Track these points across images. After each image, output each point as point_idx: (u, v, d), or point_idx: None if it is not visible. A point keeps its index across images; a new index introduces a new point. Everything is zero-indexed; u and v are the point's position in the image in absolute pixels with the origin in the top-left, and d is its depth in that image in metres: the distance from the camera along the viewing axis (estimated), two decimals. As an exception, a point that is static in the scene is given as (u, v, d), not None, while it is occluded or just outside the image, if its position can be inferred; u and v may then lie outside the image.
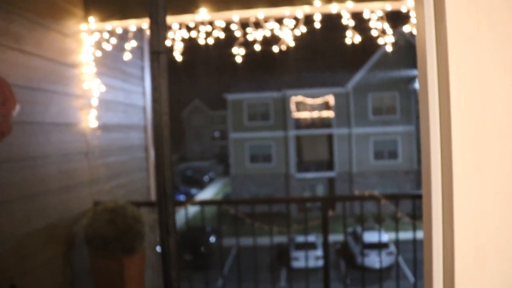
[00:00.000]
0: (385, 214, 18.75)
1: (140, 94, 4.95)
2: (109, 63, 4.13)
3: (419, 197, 4.03)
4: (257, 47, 3.44)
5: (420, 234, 3.82)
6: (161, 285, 5.05)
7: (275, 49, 3.46)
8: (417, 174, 25.52)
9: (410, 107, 25.64)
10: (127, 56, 4.06)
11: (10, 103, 2.73)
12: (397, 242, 3.63)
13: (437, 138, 1.06)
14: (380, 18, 3.38)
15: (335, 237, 17.91)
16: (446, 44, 0.99)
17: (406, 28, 3.40)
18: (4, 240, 2.66)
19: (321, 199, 3.75)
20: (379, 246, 15.26)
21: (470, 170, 0.97)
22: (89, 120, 3.73)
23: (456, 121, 0.98)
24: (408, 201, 3.96)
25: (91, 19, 3.70)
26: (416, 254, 3.60)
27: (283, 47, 3.44)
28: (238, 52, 3.47)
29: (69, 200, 3.43)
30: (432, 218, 0.98)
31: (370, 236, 16.62)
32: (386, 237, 17.16)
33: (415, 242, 3.56)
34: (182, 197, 29.62)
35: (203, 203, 4.04)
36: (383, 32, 3.42)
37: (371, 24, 3.41)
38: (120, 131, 4.43)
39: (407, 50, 23.46)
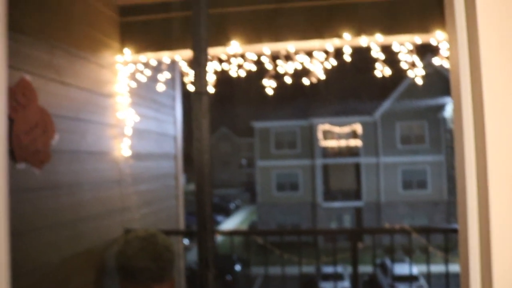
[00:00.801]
0: (415, 246, 18.33)
1: (171, 124, 5.05)
2: (143, 93, 4.26)
3: (452, 231, 3.91)
4: (288, 80, 3.50)
5: (452, 268, 3.72)
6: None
7: (306, 81, 3.52)
8: (447, 204, 24.97)
9: (440, 136, 25.30)
10: (160, 87, 4.18)
11: (50, 132, 2.85)
12: (428, 277, 3.55)
13: (473, 171, 1.06)
14: (410, 51, 3.41)
15: (362, 269, 17.56)
16: (480, 76, 1.00)
17: (435, 61, 3.41)
18: (39, 266, 2.73)
19: (350, 232, 3.72)
20: (409, 279, 14.89)
21: (508, 204, 0.97)
22: (122, 149, 3.82)
23: (492, 154, 0.99)
24: (439, 234, 3.88)
25: (127, 51, 3.84)
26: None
27: (314, 80, 3.50)
28: (269, 84, 3.54)
29: (101, 227, 3.50)
30: (469, 253, 0.98)
31: (399, 269, 16.24)
32: (415, 269, 16.73)
33: (447, 277, 3.48)
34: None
35: (232, 233, 4.06)
36: (413, 64, 3.45)
37: (401, 56, 3.44)
38: (152, 159, 4.53)
39: (436, 78, 23.29)
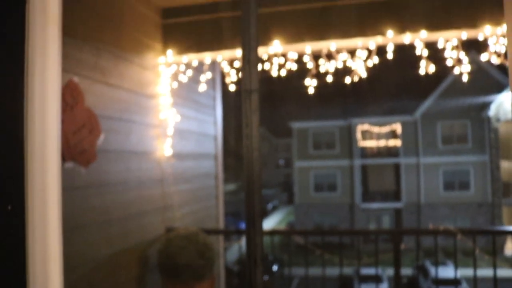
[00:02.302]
0: (457, 249, 17.84)
1: (212, 124, 5.10)
2: (184, 94, 4.31)
3: (501, 233, 3.77)
4: (329, 78, 3.47)
5: (500, 272, 3.59)
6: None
7: (347, 80, 3.48)
8: (491, 206, 24.18)
9: (483, 136, 24.52)
10: (202, 88, 4.22)
11: (96, 132, 2.92)
12: (475, 281, 3.43)
13: None
14: (455, 47, 3.32)
15: (402, 271, 17.21)
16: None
17: (483, 57, 3.31)
18: (84, 262, 2.81)
19: (392, 232, 3.64)
20: (451, 283, 14.50)
21: None
22: (164, 149, 3.88)
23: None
24: (482, 235, 3.74)
25: (169, 52, 3.89)
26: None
27: (355, 78, 3.45)
28: (311, 84, 3.52)
29: (144, 225, 3.57)
30: None
31: (441, 272, 15.85)
32: (458, 273, 16.29)
33: (495, 281, 3.35)
34: (244, 225, 29.73)
35: (272, 233, 4.05)
36: (459, 61, 3.35)
37: (446, 53, 3.35)
38: (192, 159, 4.58)
39: (480, 76, 22.60)
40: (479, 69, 22.54)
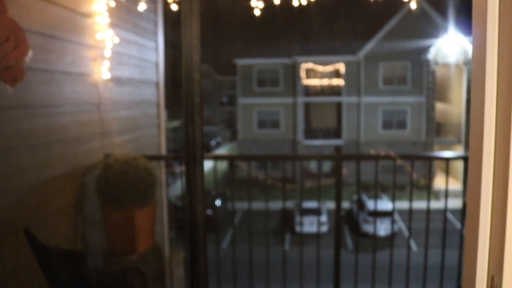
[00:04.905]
0: (392, 182, 18.71)
1: (153, 50, 4.86)
2: (123, 15, 4.04)
3: (436, 158, 3.91)
4: (276, 0, 3.33)
5: (431, 203, 3.76)
6: (170, 239, 5.06)
7: (295, 2, 3.35)
8: (424, 145, 25.41)
9: (422, 78, 25.29)
10: (141, 7, 3.97)
11: (23, 48, 2.68)
12: (410, 211, 3.57)
13: (493, 98, 0.95)
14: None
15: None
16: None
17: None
18: (17, 187, 2.66)
19: (335, 157, 3.69)
20: (384, 214, 15.35)
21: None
22: (102, 72, 3.67)
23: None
24: (418, 160, 3.89)
25: (106, -33, 3.59)
26: (428, 223, 3.54)
27: (303, 1, 3.33)
28: (257, 6, 3.37)
29: (80, 151, 3.42)
30: (482, 183, 0.89)
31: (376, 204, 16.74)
32: (390, 205, 17.25)
33: (428, 212, 3.50)
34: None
35: (216, 158, 4.01)
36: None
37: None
38: (132, 85, 4.38)
39: (422, 20, 23.01)
40: (422, 13, 22.88)
